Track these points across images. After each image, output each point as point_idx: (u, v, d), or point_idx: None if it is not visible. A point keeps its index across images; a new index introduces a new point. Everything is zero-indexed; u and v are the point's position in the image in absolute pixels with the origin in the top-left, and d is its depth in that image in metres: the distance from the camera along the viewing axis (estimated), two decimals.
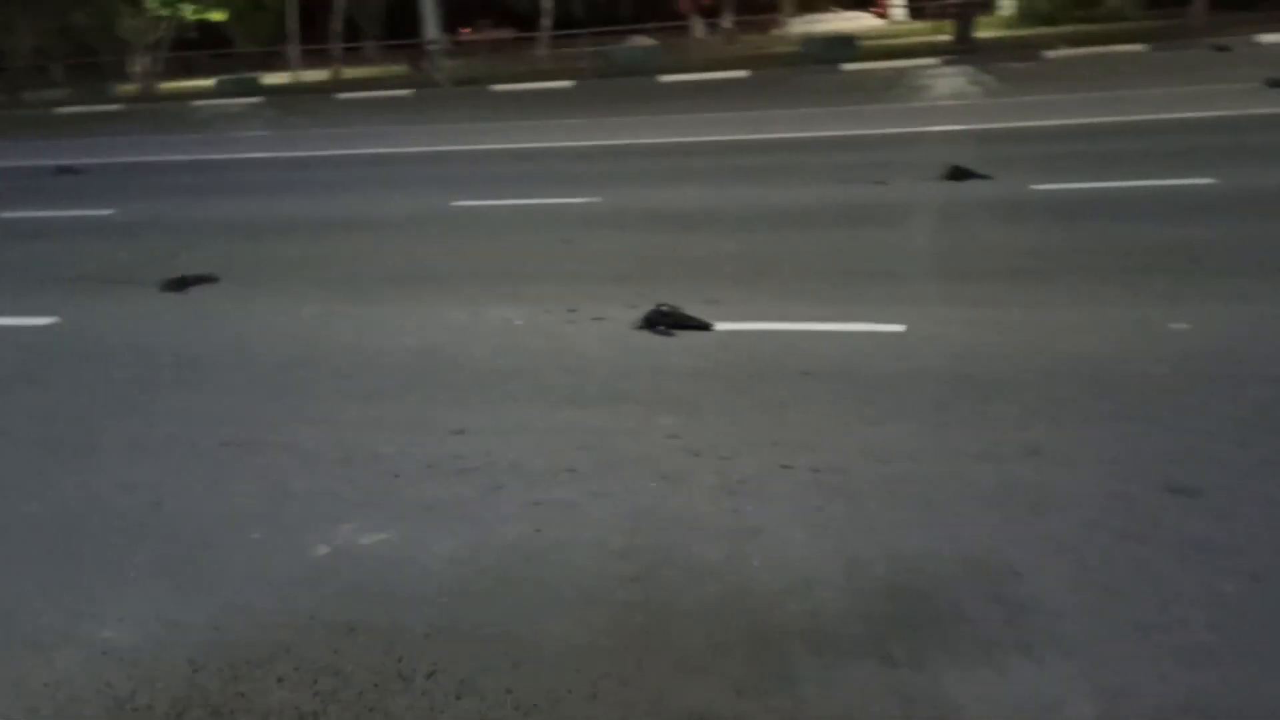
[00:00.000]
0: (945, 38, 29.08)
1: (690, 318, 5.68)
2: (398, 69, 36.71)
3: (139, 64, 37.79)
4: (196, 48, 43.42)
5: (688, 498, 3.67)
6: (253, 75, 35.20)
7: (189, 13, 36.87)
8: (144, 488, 4.02)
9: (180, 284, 7.25)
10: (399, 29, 43.43)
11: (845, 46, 27.34)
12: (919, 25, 38.49)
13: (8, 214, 10.93)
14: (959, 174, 9.28)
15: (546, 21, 36.24)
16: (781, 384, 4.69)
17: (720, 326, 5.56)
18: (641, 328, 5.65)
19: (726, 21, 39.29)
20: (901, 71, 22.84)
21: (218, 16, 38.54)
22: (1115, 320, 5.27)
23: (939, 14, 35.24)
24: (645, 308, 5.87)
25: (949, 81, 19.82)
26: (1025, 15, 34.58)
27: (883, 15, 45.93)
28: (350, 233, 9.05)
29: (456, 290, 6.78)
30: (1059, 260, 6.45)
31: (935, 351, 4.99)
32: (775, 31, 42.88)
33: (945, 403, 4.36)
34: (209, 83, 35.45)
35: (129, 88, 36.41)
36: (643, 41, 35.04)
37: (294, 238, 8.97)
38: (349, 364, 5.37)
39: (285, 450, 4.29)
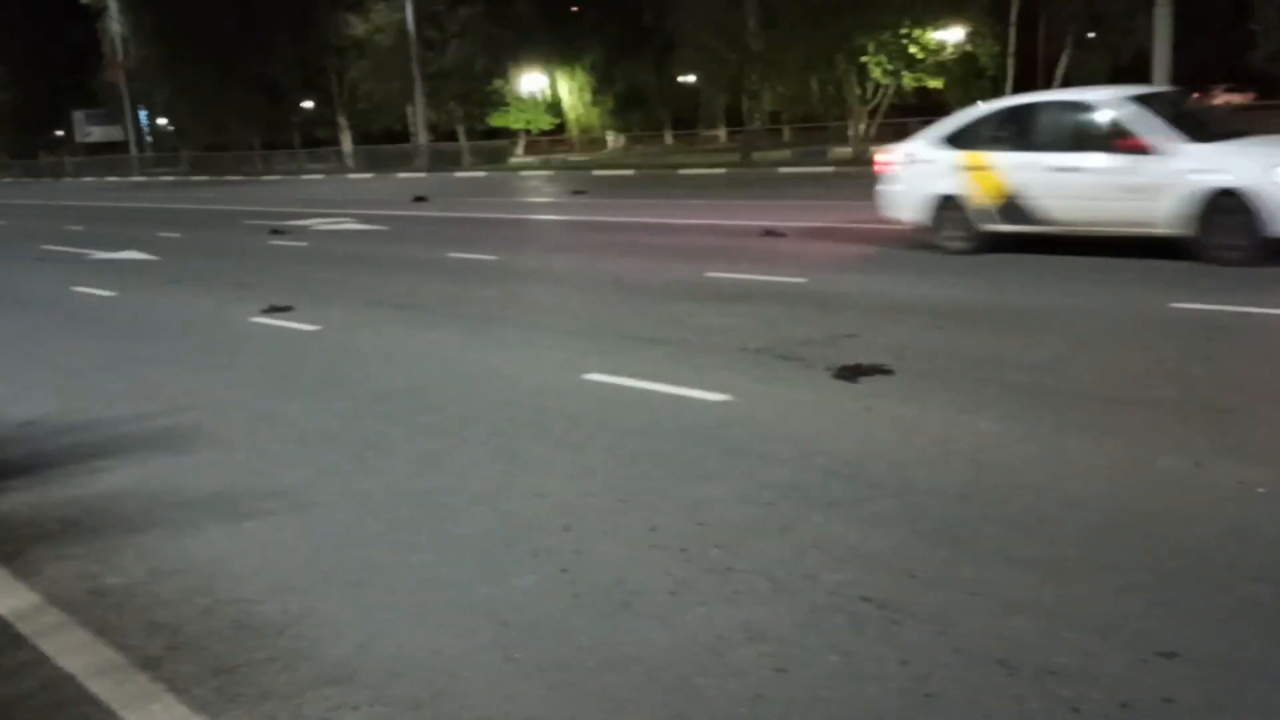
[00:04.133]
0: None
1: None
2: None
3: (856, 128, 40.11)
4: (913, 114, 44.89)
5: None
6: None
7: (907, 80, 38.26)
8: (765, 638, 3.48)
9: (854, 373, 6.87)
10: None
11: None
12: None
13: (716, 274, 11.69)
14: None
15: None
16: None
17: None
18: None
19: None
20: None
21: (934, 83, 39.51)
22: None
23: None
24: None
25: None
26: None
27: None
28: (1040, 328, 8.02)
29: (1171, 424, 5.46)
30: None
31: None
32: None
33: None
34: None
35: (843, 151, 38.78)
36: None
37: (978, 327, 8.19)
38: (1028, 517, 4.41)
39: (932, 627, 3.47)
